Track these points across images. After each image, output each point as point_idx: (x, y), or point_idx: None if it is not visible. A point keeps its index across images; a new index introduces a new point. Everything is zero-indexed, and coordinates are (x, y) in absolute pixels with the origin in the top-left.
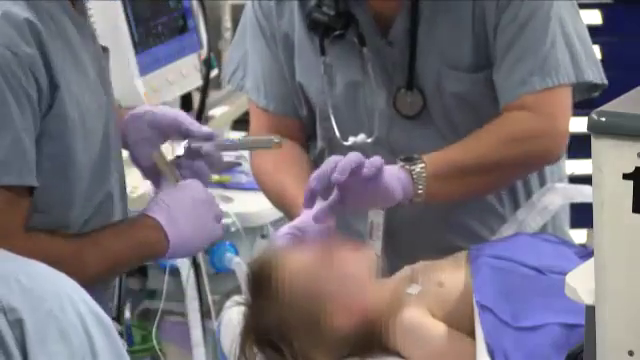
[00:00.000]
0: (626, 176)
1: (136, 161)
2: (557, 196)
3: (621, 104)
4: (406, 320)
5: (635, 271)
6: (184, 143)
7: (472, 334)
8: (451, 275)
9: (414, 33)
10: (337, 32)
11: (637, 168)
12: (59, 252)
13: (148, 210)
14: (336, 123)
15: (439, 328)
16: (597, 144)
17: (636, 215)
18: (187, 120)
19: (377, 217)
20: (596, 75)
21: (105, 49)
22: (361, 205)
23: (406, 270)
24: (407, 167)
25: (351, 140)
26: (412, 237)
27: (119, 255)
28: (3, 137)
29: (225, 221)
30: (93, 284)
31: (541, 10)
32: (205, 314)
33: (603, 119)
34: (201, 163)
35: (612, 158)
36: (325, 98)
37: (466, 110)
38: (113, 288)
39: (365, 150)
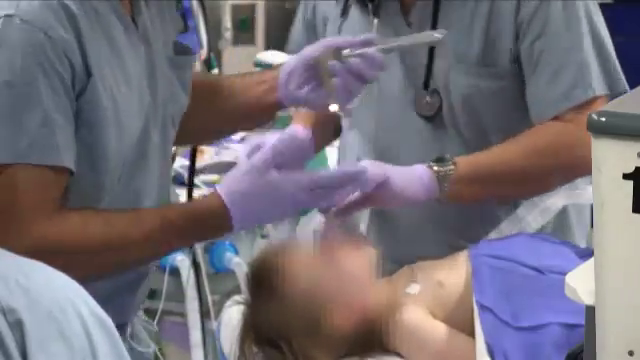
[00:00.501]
0: (626, 176)
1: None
2: (560, 197)
3: (621, 104)
4: (406, 320)
5: (635, 271)
6: (345, 52)
7: (472, 334)
8: (451, 275)
9: (435, 18)
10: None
11: (637, 168)
12: (98, 233)
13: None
14: None
15: (439, 328)
16: (597, 144)
17: (636, 215)
18: (338, 40)
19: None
20: (624, 83)
21: (188, 51)
22: (378, 205)
23: (406, 270)
24: (435, 168)
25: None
26: (413, 235)
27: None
28: (33, 117)
29: None
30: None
31: (575, 18)
32: (205, 314)
33: (603, 119)
34: (359, 62)
35: (612, 158)
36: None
37: (468, 110)
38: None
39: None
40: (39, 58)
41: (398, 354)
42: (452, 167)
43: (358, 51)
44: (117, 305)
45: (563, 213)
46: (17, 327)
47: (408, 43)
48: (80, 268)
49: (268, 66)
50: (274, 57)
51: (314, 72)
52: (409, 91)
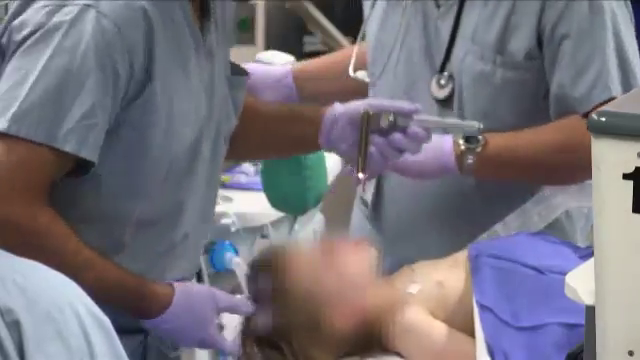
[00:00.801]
0: (626, 176)
1: (344, 153)
2: (569, 197)
3: (621, 104)
4: (406, 320)
5: (635, 271)
6: (389, 117)
7: (472, 334)
8: (451, 275)
9: (462, 2)
10: None
11: (637, 168)
12: (59, 241)
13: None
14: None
15: (439, 328)
16: (597, 144)
17: (636, 215)
18: (383, 103)
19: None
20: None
21: (243, 72)
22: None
23: (405, 269)
24: (461, 145)
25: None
26: (413, 232)
27: (114, 286)
28: (79, 108)
29: (225, 221)
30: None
31: (600, 20)
32: None
33: (603, 119)
34: (401, 137)
35: (612, 158)
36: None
37: (476, 97)
38: None
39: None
40: (102, 54)
41: (398, 354)
42: (479, 148)
43: (401, 122)
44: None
45: (564, 213)
46: (14, 327)
47: (448, 124)
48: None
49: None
50: (274, 57)
51: (356, 129)
52: (425, 71)
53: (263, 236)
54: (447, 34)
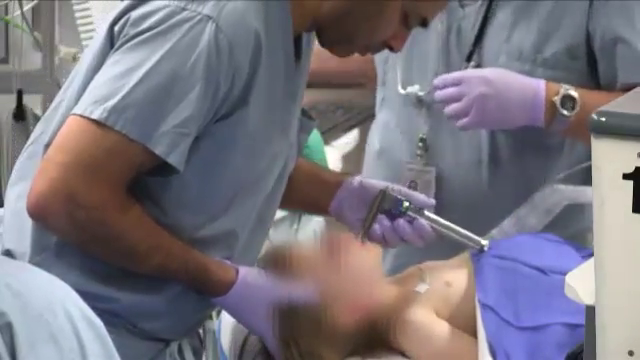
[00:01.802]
0: (626, 176)
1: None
2: (561, 198)
3: (621, 104)
4: (410, 319)
5: (635, 271)
6: (405, 203)
7: (476, 334)
8: (457, 275)
9: (490, 4)
10: None
11: (637, 168)
12: (127, 225)
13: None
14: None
15: (443, 328)
16: (597, 144)
17: (636, 215)
18: (398, 189)
19: (426, 175)
20: None
21: (311, 116)
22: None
23: (414, 269)
24: (555, 99)
25: (409, 90)
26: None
27: (181, 269)
28: (178, 114)
29: None
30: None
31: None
32: None
33: (603, 119)
34: (406, 226)
35: (612, 158)
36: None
37: None
38: None
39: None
40: (211, 68)
41: (402, 353)
42: (572, 116)
43: (411, 213)
44: (165, 320)
45: (564, 213)
46: (7, 330)
47: (456, 232)
48: (97, 247)
49: None
50: None
51: (366, 207)
52: (447, 59)
53: None
54: (472, 35)
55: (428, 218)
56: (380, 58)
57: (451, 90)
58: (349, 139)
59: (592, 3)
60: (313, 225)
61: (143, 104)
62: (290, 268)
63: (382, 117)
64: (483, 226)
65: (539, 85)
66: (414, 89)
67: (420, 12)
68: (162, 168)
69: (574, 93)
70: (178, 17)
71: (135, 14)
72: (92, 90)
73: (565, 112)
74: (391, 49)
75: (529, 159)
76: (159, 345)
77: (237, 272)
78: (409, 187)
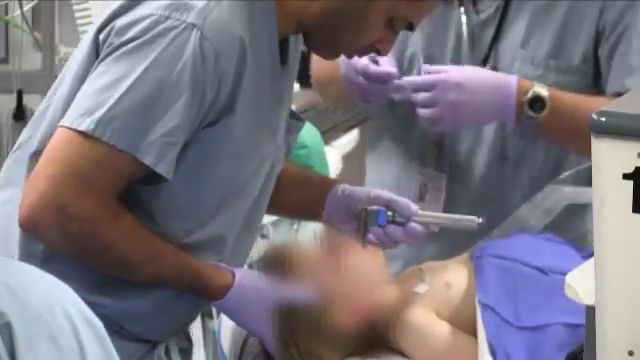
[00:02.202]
0: (626, 176)
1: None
2: (561, 198)
3: (621, 104)
4: (410, 319)
5: (635, 271)
6: (388, 214)
7: (476, 334)
8: (459, 275)
9: (506, 8)
10: None
11: (637, 168)
12: (118, 236)
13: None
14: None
15: (442, 328)
16: (597, 144)
17: (636, 215)
18: (385, 196)
19: (436, 181)
20: None
21: (299, 117)
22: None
23: (414, 270)
24: (524, 99)
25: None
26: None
27: (175, 276)
28: (166, 123)
29: None
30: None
31: None
32: (205, 314)
33: (603, 119)
34: (398, 231)
35: (612, 158)
36: (415, 48)
37: None
38: None
39: None
40: (197, 75)
41: (402, 353)
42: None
43: (399, 218)
44: (152, 322)
45: (564, 213)
46: (6, 330)
47: (449, 222)
48: (90, 258)
49: None
50: None
51: (353, 217)
52: (462, 64)
53: (263, 236)
54: (487, 41)
55: (416, 220)
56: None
57: (423, 96)
58: (349, 139)
59: (603, 3)
60: (313, 225)
61: (130, 114)
62: (290, 269)
63: (390, 118)
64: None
65: (510, 84)
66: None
67: (405, 16)
68: (151, 177)
69: (544, 93)
70: (163, 26)
71: (120, 23)
72: (79, 102)
73: (532, 113)
74: (378, 52)
75: (539, 159)
76: (146, 346)
77: (233, 275)
78: (419, 191)
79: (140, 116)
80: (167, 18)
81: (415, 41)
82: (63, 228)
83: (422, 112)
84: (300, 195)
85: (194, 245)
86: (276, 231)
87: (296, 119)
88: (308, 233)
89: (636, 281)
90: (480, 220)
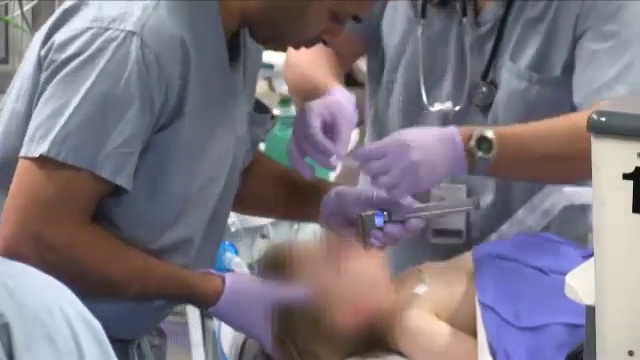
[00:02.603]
0: (626, 176)
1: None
2: (560, 198)
3: (621, 104)
4: (410, 320)
5: (635, 271)
6: (384, 217)
7: (476, 334)
8: (457, 276)
9: (504, 22)
10: None
11: (637, 168)
12: (99, 262)
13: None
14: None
15: (442, 329)
16: (597, 144)
17: (636, 215)
18: (379, 197)
19: (455, 192)
20: None
21: (266, 109)
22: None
23: (413, 270)
24: (473, 151)
25: (437, 106)
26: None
27: (163, 290)
28: (119, 134)
29: None
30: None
31: (629, 21)
32: (205, 314)
33: (603, 119)
34: (398, 230)
35: (612, 158)
36: (415, 61)
37: (510, 110)
38: None
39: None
40: (143, 83)
41: (401, 354)
42: (492, 155)
43: (396, 217)
44: (123, 322)
45: (564, 213)
46: (4, 330)
47: (445, 208)
48: (75, 283)
49: (268, 66)
50: (274, 57)
51: (353, 220)
52: (464, 77)
53: (263, 236)
54: (487, 55)
55: (413, 215)
56: (388, 67)
57: (377, 165)
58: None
59: (579, 13)
60: (313, 225)
61: (82, 131)
62: (290, 269)
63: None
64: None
65: (454, 135)
66: (446, 106)
67: (349, 11)
68: (113, 188)
69: (489, 134)
70: (102, 38)
71: (59, 38)
72: (32, 130)
73: (482, 154)
74: (325, 43)
75: None
76: (116, 345)
77: (223, 280)
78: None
79: (92, 131)
80: (106, 30)
81: (414, 56)
82: (42, 258)
83: (380, 182)
84: (297, 201)
85: (162, 249)
86: (276, 231)
87: (263, 112)
88: (308, 233)
89: (636, 281)
90: (476, 203)
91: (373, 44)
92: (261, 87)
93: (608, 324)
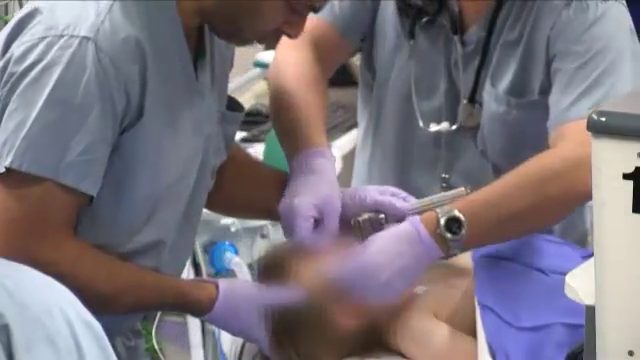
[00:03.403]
0: (626, 176)
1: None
2: None
3: (621, 104)
4: (409, 320)
5: (635, 271)
6: (380, 217)
7: (475, 334)
8: (456, 276)
9: (486, 44)
10: (428, 17)
11: (637, 168)
12: (87, 276)
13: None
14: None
15: (442, 329)
16: (597, 144)
17: (636, 215)
18: (371, 200)
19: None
20: None
21: (238, 107)
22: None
23: None
24: (443, 233)
25: (434, 127)
26: None
27: (156, 301)
28: (80, 141)
29: (225, 221)
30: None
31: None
32: None
33: (603, 119)
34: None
35: (612, 158)
36: (403, 80)
37: (493, 132)
38: None
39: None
40: (102, 87)
41: (401, 354)
42: (462, 233)
43: (391, 219)
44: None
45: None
46: (3, 331)
47: (436, 199)
48: None
49: (268, 66)
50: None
51: (349, 225)
52: (454, 96)
53: (263, 236)
54: (472, 75)
55: (409, 213)
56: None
57: (356, 290)
58: (349, 139)
59: (554, 26)
60: None
61: (43, 141)
62: (289, 269)
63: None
64: None
65: (418, 229)
66: (443, 126)
67: (304, 1)
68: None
69: (456, 213)
70: (57, 46)
71: (17, 51)
72: (0, 148)
73: (451, 236)
74: (289, 36)
75: None
76: None
77: (217, 287)
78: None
79: (53, 140)
80: (60, 37)
81: (403, 75)
82: None
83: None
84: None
85: (133, 252)
86: (276, 231)
87: (234, 109)
88: None
89: (636, 281)
90: (468, 190)
91: (365, 49)
92: (261, 87)
93: (608, 324)
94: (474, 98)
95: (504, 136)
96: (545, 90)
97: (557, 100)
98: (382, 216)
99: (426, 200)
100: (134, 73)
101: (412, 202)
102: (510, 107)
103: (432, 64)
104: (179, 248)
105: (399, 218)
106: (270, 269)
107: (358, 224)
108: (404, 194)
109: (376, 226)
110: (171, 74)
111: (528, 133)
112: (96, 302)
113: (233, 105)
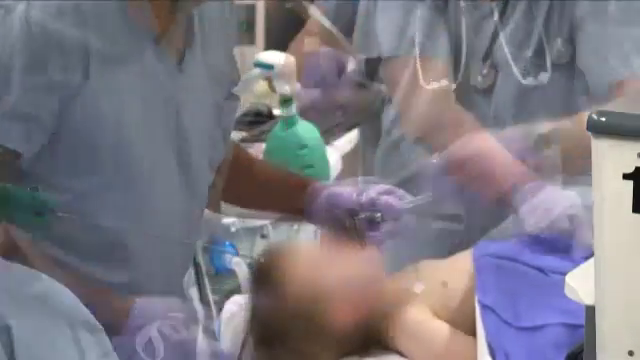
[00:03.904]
0: (626, 176)
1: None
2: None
3: (621, 104)
4: (408, 319)
5: (635, 271)
6: (376, 216)
7: (475, 334)
8: (455, 275)
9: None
10: None
11: (637, 168)
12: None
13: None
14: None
15: (441, 328)
16: (597, 144)
17: (636, 215)
18: (368, 199)
19: None
20: None
21: (235, 97)
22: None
23: (410, 269)
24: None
25: (433, 84)
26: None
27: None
28: (6, 101)
29: (225, 221)
30: None
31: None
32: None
33: (603, 119)
34: (392, 225)
35: (612, 158)
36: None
37: (512, 99)
38: None
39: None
40: (31, 48)
41: (399, 353)
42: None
43: (387, 217)
44: None
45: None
46: (5, 332)
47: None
48: None
49: (268, 66)
50: (274, 57)
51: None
52: (466, 59)
53: (263, 236)
54: (488, 35)
55: (406, 209)
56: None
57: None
58: (349, 139)
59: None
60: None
61: None
62: (287, 268)
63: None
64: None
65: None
66: (442, 84)
67: None
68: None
69: (544, 130)
70: None
71: None
72: None
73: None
74: None
75: None
76: None
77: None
78: None
79: None
80: None
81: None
82: None
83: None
84: (277, 194)
85: (89, 252)
86: (276, 231)
87: (229, 99)
88: (309, 233)
89: (636, 281)
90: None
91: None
92: (261, 87)
93: (608, 324)
94: (487, 58)
95: (517, 100)
96: (568, 54)
97: (598, 61)
98: (379, 215)
99: (424, 196)
100: (72, 35)
101: (408, 200)
102: (533, 67)
103: (441, 23)
104: (167, 259)
105: (396, 215)
106: (267, 269)
107: (355, 224)
108: (400, 192)
109: (373, 225)
110: (121, 38)
111: (542, 97)
112: None
113: (229, 95)
